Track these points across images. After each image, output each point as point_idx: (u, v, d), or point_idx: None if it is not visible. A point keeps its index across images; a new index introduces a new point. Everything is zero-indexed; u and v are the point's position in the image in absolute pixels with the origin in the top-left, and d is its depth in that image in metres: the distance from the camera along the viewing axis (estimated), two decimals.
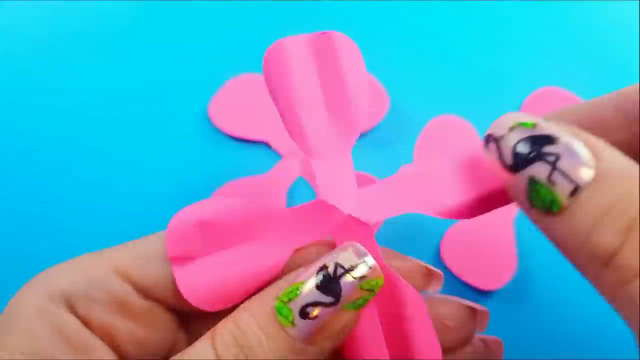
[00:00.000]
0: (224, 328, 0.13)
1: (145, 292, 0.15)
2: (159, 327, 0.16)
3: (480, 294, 0.28)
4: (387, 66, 0.31)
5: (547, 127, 0.12)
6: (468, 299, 0.28)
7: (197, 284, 0.14)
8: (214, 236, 0.15)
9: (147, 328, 0.16)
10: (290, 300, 0.13)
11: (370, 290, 0.13)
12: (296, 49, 0.16)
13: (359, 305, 0.13)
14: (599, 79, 0.31)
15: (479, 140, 0.31)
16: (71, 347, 0.14)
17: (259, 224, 0.15)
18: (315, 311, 0.13)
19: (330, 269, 0.13)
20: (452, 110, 0.30)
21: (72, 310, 0.14)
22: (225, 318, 0.13)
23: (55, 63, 0.32)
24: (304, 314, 0.13)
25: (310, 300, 0.13)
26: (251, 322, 0.13)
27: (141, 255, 0.15)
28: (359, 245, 0.14)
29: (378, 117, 0.29)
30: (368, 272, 0.13)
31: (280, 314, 0.13)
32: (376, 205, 0.15)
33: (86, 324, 0.14)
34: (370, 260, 0.13)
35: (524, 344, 0.28)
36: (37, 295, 0.14)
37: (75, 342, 0.14)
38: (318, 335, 0.13)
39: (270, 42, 0.33)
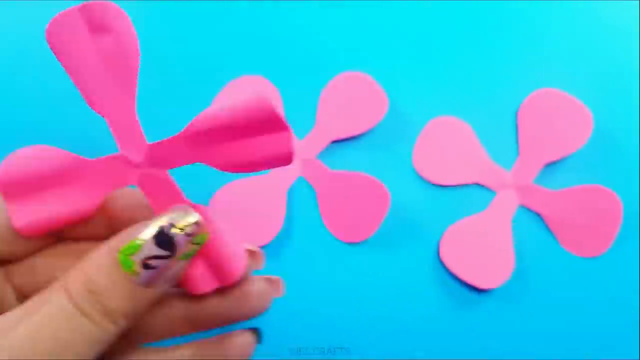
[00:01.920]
0: (75, 279, 0.15)
1: None
2: None
3: (479, 292, 0.28)
4: (386, 68, 0.31)
5: None
6: (467, 297, 0.28)
7: (26, 217, 0.17)
8: (39, 179, 0.17)
9: None
10: (132, 254, 0.15)
11: (199, 244, 0.17)
12: (72, 21, 0.18)
13: (189, 256, 0.16)
14: (598, 81, 0.31)
15: (476, 141, 0.31)
16: None
17: (73, 171, 0.17)
18: (155, 262, 0.16)
19: (166, 228, 0.16)
20: (451, 112, 0.30)
21: None
22: (74, 270, 0.16)
23: (57, 63, 0.32)
24: (145, 265, 0.15)
25: (150, 254, 0.16)
26: (99, 272, 0.15)
27: None
28: (188, 207, 0.17)
29: (377, 118, 0.29)
30: (197, 229, 0.16)
31: (124, 265, 0.15)
32: (166, 155, 0.18)
33: None
34: (198, 219, 0.16)
35: (521, 340, 0.28)
36: None
37: None
38: (156, 281, 0.16)
39: (270, 46, 0.32)
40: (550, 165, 0.29)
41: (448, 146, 0.30)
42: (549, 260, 0.29)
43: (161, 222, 0.16)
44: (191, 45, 0.32)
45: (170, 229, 0.16)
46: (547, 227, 0.29)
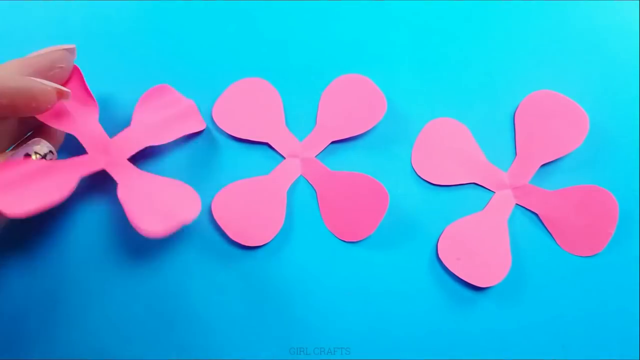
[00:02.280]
0: None
1: None
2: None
3: (476, 290, 0.28)
4: (385, 70, 0.31)
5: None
6: (464, 295, 0.28)
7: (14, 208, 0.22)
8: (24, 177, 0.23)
9: None
10: None
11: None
12: None
13: None
14: (594, 82, 0.31)
15: (474, 142, 0.31)
16: None
17: (47, 169, 0.24)
18: None
19: (33, 156, 0.24)
20: (449, 113, 0.31)
21: None
22: None
23: None
24: None
25: None
26: None
27: None
28: (43, 141, 0.24)
29: (376, 119, 0.30)
30: (51, 156, 0.24)
31: None
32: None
33: None
34: (52, 149, 0.25)
35: (518, 339, 0.28)
36: None
37: None
38: None
39: (271, 49, 0.33)
40: (547, 165, 0.29)
41: (446, 147, 0.30)
42: (545, 258, 0.29)
43: (27, 151, 0.24)
44: (193, 48, 0.32)
45: (34, 156, 0.24)
46: (543, 226, 0.29)
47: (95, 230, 0.29)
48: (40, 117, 0.25)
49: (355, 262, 0.29)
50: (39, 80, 0.23)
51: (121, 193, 0.25)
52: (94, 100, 0.28)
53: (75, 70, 0.27)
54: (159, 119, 0.29)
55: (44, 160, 0.25)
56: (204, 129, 0.30)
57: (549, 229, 0.29)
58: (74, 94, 0.28)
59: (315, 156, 0.30)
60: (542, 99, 0.30)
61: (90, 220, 0.29)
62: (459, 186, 0.30)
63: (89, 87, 0.28)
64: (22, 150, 0.24)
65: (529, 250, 0.29)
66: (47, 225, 0.29)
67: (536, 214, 0.29)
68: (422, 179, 0.30)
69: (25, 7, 0.33)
